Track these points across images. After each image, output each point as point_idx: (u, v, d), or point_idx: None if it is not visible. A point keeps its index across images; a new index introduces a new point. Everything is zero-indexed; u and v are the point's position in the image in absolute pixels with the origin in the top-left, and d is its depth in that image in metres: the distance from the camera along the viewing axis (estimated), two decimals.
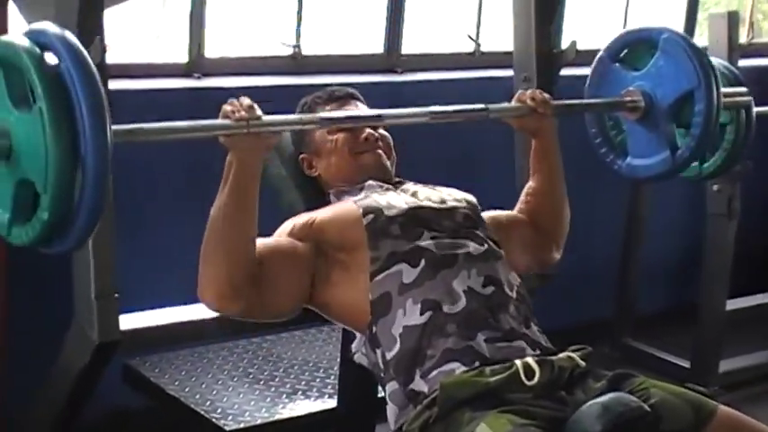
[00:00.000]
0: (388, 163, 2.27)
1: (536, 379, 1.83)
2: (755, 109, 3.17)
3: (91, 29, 2.09)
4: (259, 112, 1.90)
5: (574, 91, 2.65)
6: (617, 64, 2.57)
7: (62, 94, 1.53)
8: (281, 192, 2.32)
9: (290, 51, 3.50)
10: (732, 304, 3.96)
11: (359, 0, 3.75)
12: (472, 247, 2.05)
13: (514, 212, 2.34)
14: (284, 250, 2.01)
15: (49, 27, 1.61)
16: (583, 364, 1.92)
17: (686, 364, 3.92)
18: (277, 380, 2.59)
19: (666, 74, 2.49)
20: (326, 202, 2.21)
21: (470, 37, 4.00)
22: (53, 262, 2.45)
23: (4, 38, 1.62)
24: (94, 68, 1.56)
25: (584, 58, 2.72)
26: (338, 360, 2.54)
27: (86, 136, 1.52)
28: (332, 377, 2.60)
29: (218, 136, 1.87)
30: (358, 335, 2.05)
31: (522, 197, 2.36)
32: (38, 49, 1.57)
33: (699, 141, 2.48)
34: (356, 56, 3.72)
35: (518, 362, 1.86)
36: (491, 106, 2.27)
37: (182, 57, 3.29)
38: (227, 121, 1.87)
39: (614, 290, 4.24)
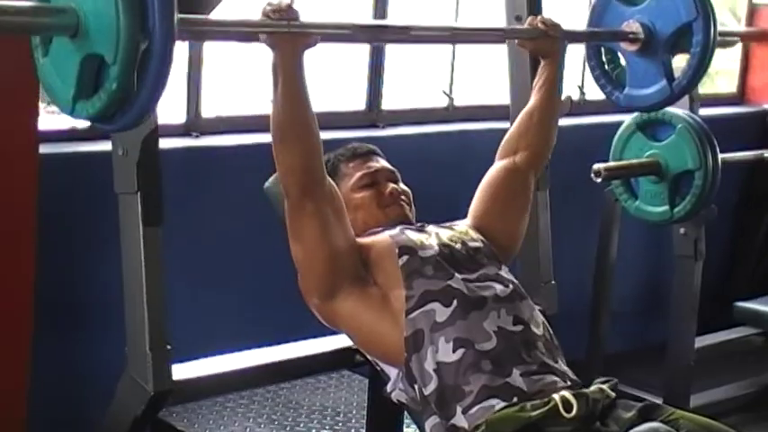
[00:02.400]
0: (411, 215, 2.42)
1: (574, 412, 1.98)
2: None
3: None
4: (298, 13, 2.03)
5: (571, 141, 2.82)
6: (616, 0, 2.72)
7: None
8: None
9: None
10: (700, 341, 4.14)
11: (341, 61, 3.90)
12: (499, 288, 2.20)
13: (491, 173, 2.52)
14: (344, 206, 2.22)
15: None
16: (613, 395, 2.07)
17: (659, 401, 4.07)
18: (302, 425, 2.68)
19: (665, 7, 2.64)
20: None
21: (445, 92, 4.18)
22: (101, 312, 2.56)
23: None
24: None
25: (576, 108, 2.90)
26: (355, 405, 2.65)
27: (155, 11, 1.61)
28: (353, 421, 2.71)
29: (261, 33, 2.01)
30: (392, 375, 2.17)
31: (514, 124, 2.55)
32: None
33: (696, 70, 2.65)
34: (340, 113, 3.87)
35: (556, 396, 2.00)
36: (506, 28, 2.44)
37: (179, 117, 3.41)
38: (268, 20, 1.99)
39: (585, 330, 4.40)
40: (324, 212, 2.14)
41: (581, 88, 4.50)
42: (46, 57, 1.76)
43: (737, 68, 5.53)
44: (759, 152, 4.60)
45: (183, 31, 1.73)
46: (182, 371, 2.21)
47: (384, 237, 2.26)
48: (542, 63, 2.56)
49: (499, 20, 3.03)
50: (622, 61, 2.79)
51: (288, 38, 2.02)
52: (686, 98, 3.97)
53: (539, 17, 2.53)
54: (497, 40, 2.76)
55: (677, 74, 2.74)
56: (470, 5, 4.15)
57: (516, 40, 2.59)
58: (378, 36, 2.62)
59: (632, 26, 2.67)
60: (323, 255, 2.16)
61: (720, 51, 5.72)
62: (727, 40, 3.29)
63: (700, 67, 2.65)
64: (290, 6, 2.01)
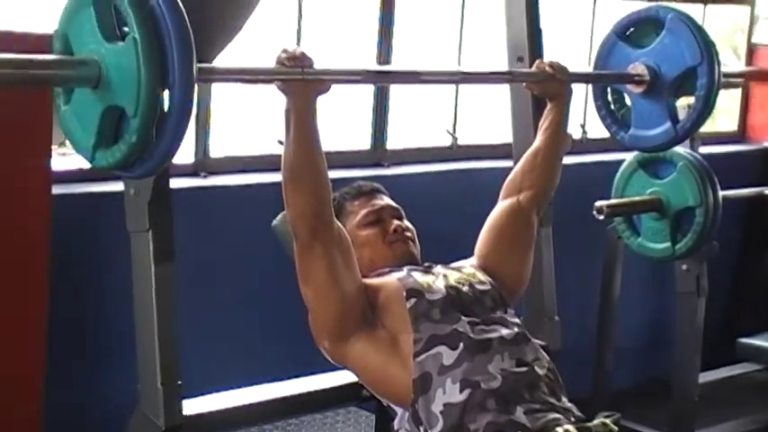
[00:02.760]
0: (416, 251, 2.47)
1: None
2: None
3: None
4: (311, 59, 2.07)
5: (573, 179, 2.87)
6: (623, 42, 2.78)
7: (154, 27, 1.67)
8: None
9: None
10: (704, 377, 4.17)
11: (346, 100, 3.97)
12: (504, 332, 2.24)
13: (496, 212, 2.56)
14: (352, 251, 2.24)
15: None
16: (615, 429, 2.11)
17: None
18: None
19: (671, 51, 2.69)
20: None
21: (448, 132, 4.25)
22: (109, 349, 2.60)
23: None
24: (183, 9, 1.71)
25: (578, 147, 2.96)
26: None
27: (175, 64, 1.66)
28: None
29: (276, 81, 2.07)
30: (399, 412, 2.20)
31: (519, 164, 2.59)
32: None
33: (700, 113, 2.69)
34: (346, 152, 3.93)
35: (559, 429, 2.04)
36: (515, 70, 2.50)
37: (188, 157, 3.47)
38: (283, 68, 2.04)
39: (589, 367, 4.43)
40: (332, 255, 2.18)
41: (583, 126, 4.57)
42: (67, 105, 1.81)
43: (738, 107, 5.60)
44: (760, 189, 4.65)
45: (201, 80, 1.77)
46: (192, 406, 2.26)
47: (392, 279, 2.30)
48: (549, 105, 2.61)
49: (500, 57, 3.10)
50: (628, 102, 2.84)
51: (302, 85, 2.07)
52: None
53: (547, 61, 2.59)
54: (506, 81, 2.82)
55: (681, 115, 2.80)
56: (472, 44, 4.23)
57: (524, 83, 2.65)
58: (388, 80, 2.68)
59: (638, 68, 2.72)
60: (333, 298, 2.20)
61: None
62: (731, 81, 3.35)
63: (704, 110, 2.70)
64: (303, 54, 2.06)
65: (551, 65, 2.55)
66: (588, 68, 4.50)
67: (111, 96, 1.71)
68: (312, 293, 2.22)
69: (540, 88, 2.59)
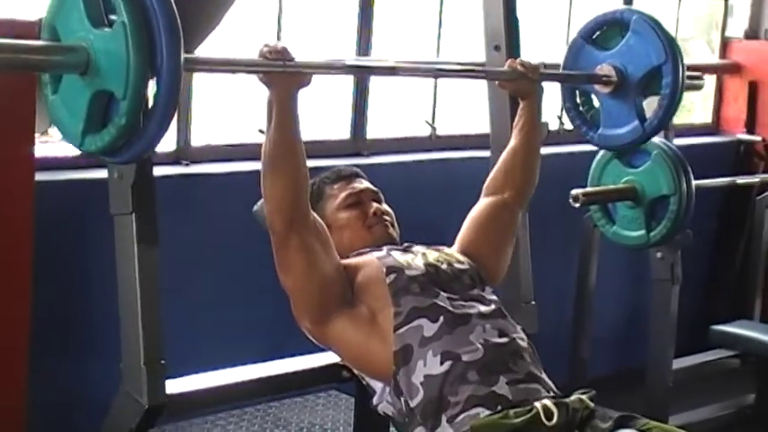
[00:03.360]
0: (395, 234, 2.52)
1: (555, 420, 2.06)
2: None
3: None
4: (292, 54, 2.11)
5: (551, 168, 2.92)
6: (590, 45, 2.84)
7: (142, 12, 1.70)
8: None
9: None
10: (678, 363, 4.23)
11: (327, 91, 4.01)
12: (483, 308, 2.29)
13: (479, 207, 2.60)
14: (329, 238, 2.29)
15: None
16: (591, 405, 2.16)
17: None
18: None
19: (636, 51, 2.75)
20: None
21: (427, 122, 4.30)
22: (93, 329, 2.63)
23: None
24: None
25: (555, 137, 3.02)
26: (341, 422, 2.73)
27: (163, 49, 1.70)
28: None
29: (257, 73, 2.12)
30: (378, 388, 2.25)
31: (498, 163, 2.64)
32: None
33: (666, 111, 2.76)
34: (326, 141, 3.97)
35: (538, 404, 2.09)
36: (488, 69, 2.55)
37: (170, 145, 3.51)
38: (265, 61, 2.08)
39: (566, 355, 4.48)
40: (309, 244, 2.22)
41: (560, 118, 4.62)
42: (56, 94, 1.84)
43: (712, 99, 5.68)
44: (732, 179, 4.72)
45: (187, 69, 1.81)
46: (175, 385, 2.30)
47: (371, 258, 2.35)
48: (521, 104, 2.66)
49: (478, 46, 3.15)
50: (596, 102, 2.90)
51: (283, 77, 2.12)
52: None
53: (518, 60, 2.64)
54: (479, 78, 2.87)
55: (648, 113, 2.85)
56: (450, 34, 4.28)
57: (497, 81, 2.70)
58: (365, 73, 2.71)
59: (605, 69, 2.78)
60: (312, 285, 2.24)
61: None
62: (695, 83, 3.41)
63: (670, 108, 2.76)
64: (285, 48, 2.11)
65: (523, 64, 2.61)
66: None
67: (99, 81, 1.74)
68: (291, 282, 2.26)
69: (513, 87, 2.65)
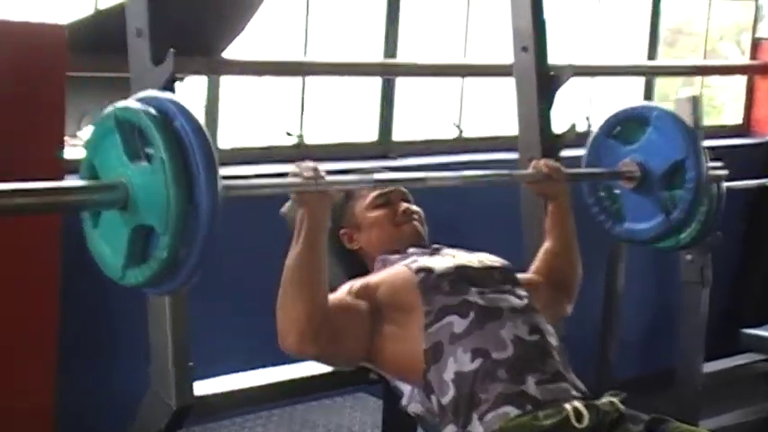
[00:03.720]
0: (424, 233, 2.51)
1: (585, 422, 2.04)
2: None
3: None
4: (323, 172, 2.12)
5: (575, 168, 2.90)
6: (611, 140, 2.82)
7: (179, 148, 1.71)
8: None
9: (294, 141, 3.75)
10: (708, 367, 4.20)
11: (355, 92, 4.02)
12: (514, 301, 2.27)
13: (530, 274, 2.56)
14: (347, 305, 2.23)
15: (159, 93, 1.82)
16: (622, 408, 2.14)
17: None
18: None
19: (658, 146, 2.72)
20: (367, 273, 2.42)
21: (454, 124, 4.30)
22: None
23: (122, 103, 1.80)
24: (206, 129, 1.75)
25: (582, 139, 2.99)
26: (369, 424, 2.73)
27: (201, 184, 1.70)
28: None
29: (291, 192, 2.12)
30: (407, 389, 2.24)
31: (539, 256, 2.59)
32: (154, 111, 1.75)
33: (691, 204, 2.72)
34: (353, 143, 3.98)
35: (567, 406, 2.06)
36: (514, 172, 2.55)
37: None
38: (298, 180, 2.09)
39: (594, 358, 4.46)
40: (331, 344, 2.16)
41: (588, 119, 4.61)
42: (95, 228, 1.84)
43: (743, 100, 5.64)
44: (763, 180, 4.67)
45: (225, 195, 1.79)
46: (203, 387, 2.31)
47: (398, 267, 2.33)
48: (549, 206, 2.62)
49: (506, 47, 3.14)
50: (619, 196, 2.87)
51: (316, 196, 2.12)
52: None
53: (542, 161, 2.60)
54: (504, 184, 2.86)
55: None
56: (477, 32, 4.27)
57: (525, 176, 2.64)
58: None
59: (629, 165, 2.76)
60: (355, 357, 2.26)
61: (727, 81, 5.85)
62: (717, 174, 3.35)
63: (694, 202, 2.74)
64: (315, 168, 2.11)
65: (547, 165, 2.57)
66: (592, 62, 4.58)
67: (139, 216, 1.75)
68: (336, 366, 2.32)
69: (539, 188, 2.61)
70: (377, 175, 2.37)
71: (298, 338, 2.12)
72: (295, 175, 2.10)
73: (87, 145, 1.84)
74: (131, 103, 1.79)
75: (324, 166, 3.75)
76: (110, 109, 1.80)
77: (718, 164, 3.24)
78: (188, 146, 1.71)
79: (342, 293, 2.27)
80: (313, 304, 2.11)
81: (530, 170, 2.59)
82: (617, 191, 2.84)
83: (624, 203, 2.83)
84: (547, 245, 2.60)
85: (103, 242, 1.83)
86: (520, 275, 2.47)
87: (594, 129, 2.90)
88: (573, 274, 2.59)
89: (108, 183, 1.78)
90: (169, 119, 1.73)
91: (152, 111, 1.75)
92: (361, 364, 2.29)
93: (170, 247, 1.72)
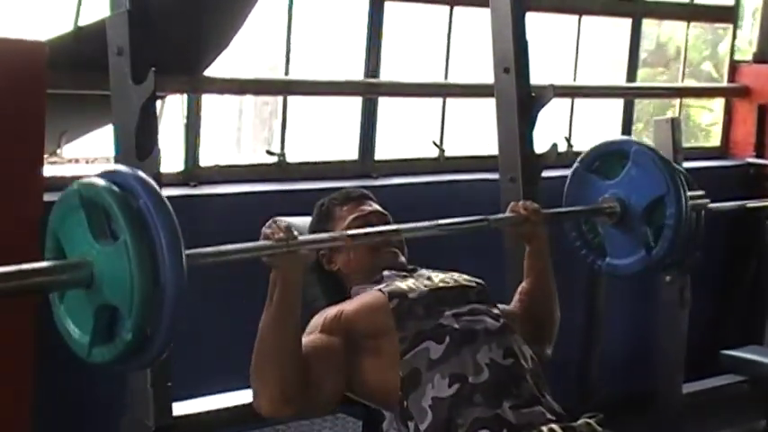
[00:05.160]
0: (403, 258, 2.50)
1: None
2: None
3: (147, 143, 2.30)
4: (295, 232, 2.10)
5: (556, 192, 2.90)
6: (591, 174, 2.83)
7: (143, 229, 1.69)
8: (303, 286, 2.51)
9: (275, 159, 3.74)
10: (688, 388, 4.20)
11: (336, 112, 4.02)
12: (489, 322, 2.27)
13: (511, 308, 2.54)
14: (321, 351, 2.20)
15: (124, 168, 1.80)
16: (599, 429, 2.14)
17: None
18: None
19: (638, 182, 2.75)
20: (346, 296, 2.41)
21: (435, 144, 4.30)
22: None
23: (86, 180, 1.78)
24: (169, 205, 1.75)
25: (564, 160, 3.01)
26: None
27: (166, 266, 1.69)
28: None
29: (262, 256, 2.07)
30: (388, 415, 2.23)
31: (517, 296, 2.57)
32: (117, 189, 1.73)
33: (672, 241, 2.74)
34: (335, 162, 3.97)
35: (545, 428, 2.07)
36: (491, 217, 2.55)
37: (177, 166, 3.50)
38: (269, 243, 2.06)
39: (575, 378, 4.46)
40: (309, 402, 2.16)
41: (568, 140, 4.62)
42: (62, 303, 1.82)
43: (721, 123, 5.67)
44: (742, 202, 4.69)
45: (190, 269, 1.78)
46: (181, 408, 2.29)
47: (372, 293, 2.32)
48: (528, 249, 2.59)
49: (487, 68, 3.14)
50: (601, 230, 2.87)
51: (289, 256, 2.10)
52: (670, 149, 4.12)
53: (521, 203, 2.59)
54: (483, 229, 2.80)
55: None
56: (459, 56, 4.29)
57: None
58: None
59: (609, 201, 2.77)
60: (335, 399, 2.24)
61: (706, 103, 5.89)
62: (698, 204, 3.32)
63: (675, 237, 2.75)
64: (288, 228, 2.10)
65: (525, 207, 2.57)
66: (577, 83, 4.60)
67: (103, 296, 1.74)
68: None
69: (516, 231, 2.60)
70: (349, 232, 2.34)
71: (269, 403, 2.11)
72: (266, 237, 2.09)
73: (53, 216, 1.83)
74: (96, 180, 1.77)
75: (306, 186, 3.77)
76: (74, 186, 1.79)
77: (700, 192, 3.23)
78: (152, 225, 1.70)
79: (315, 334, 2.24)
80: (286, 374, 2.10)
81: (508, 213, 2.57)
82: (599, 225, 2.84)
83: (606, 238, 2.83)
84: (524, 285, 2.59)
85: (69, 319, 1.81)
86: (501, 306, 2.45)
87: (576, 148, 2.91)
88: (549, 318, 2.57)
89: (73, 262, 1.76)
90: (134, 197, 1.72)
91: (115, 189, 1.73)
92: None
93: (135, 329, 1.71)
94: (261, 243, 2.09)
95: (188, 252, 1.79)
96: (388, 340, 2.21)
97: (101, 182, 1.76)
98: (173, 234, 1.71)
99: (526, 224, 2.55)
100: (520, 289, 2.59)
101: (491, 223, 2.54)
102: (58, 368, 2.93)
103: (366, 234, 2.38)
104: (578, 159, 2.87)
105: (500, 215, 2.61)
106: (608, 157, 2.84)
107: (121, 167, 1.83)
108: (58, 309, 1.83)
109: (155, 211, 1.71)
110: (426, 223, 2.40)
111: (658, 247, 2.75)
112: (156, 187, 1.77)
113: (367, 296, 2.32)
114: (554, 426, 2.08)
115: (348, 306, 2.30)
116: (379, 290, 2.31)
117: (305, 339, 2.20)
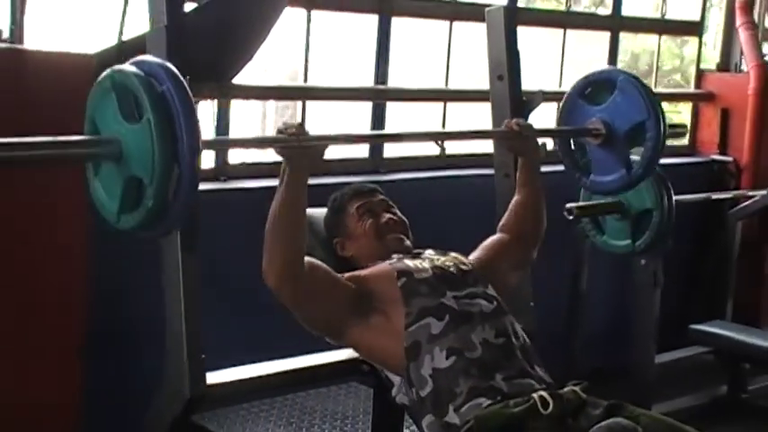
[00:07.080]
0: (408, 242, 2.47)
1: (550, 409, 2.03)
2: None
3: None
4: (307, 129, 2.09)
5: (549, 184, 2.86)
6: (582, 100, 2.80)
7: (164, 108, 1.70)
8: None
9: None
10: (660, 359, 4.18)
11: (348, 115, 3.99)
12: (484, 305, 2.25)
13: (496, 237, 2.54)
14: (333, 277, 2.21)
15: (151, 58, 1.81)
16: (584, 395, 2.11)
17: None
18: (316, 428, 2.72)
19: (623, 108, 2.70)
20: None
21: (437, 143, 4.25)
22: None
23: (117, 67, 1.79)
24: (189, 91, 1.74)
25: (555, 157, 2.96)
26: (361, 411, 2.69)
27: (184, 143, 1.70)
28: (360, 425, 2.75)
29: (275, 147, 2.10)
30: (396, 381, 2.21)
31: (509, 208, 2.58)
32: (145, 75, 1.74)
33: (649, 162, 2.71)
34: (347, 160, 3.94)
35: (535, 395, 2.05)
36: (488, 129, 2.58)
37: (209, 163, 3.47)
38: (283, 136, 2.07)
39: (561, 351, 4.42)
40: (305, 291, 2.15)
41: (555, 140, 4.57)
42: (96, 176, 1.84)
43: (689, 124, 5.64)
44: (707, 195, 4.70)
45: (208, 148, 1.78)
46: (214, 377, 2.26)
47: (383, 265, 2.31)
48: (520, 161, 2.59)
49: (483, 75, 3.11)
50: (588, 151, 2.85)
51: (299, 152, 2.08)
52: None
53: (513, 120, 2.57)
54: (480, 138, 2.82)
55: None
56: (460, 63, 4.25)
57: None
58: (373, 142, 2.63)
59: (595, 123, 2.74)
60: (322, 320, 2.23)
61: (676, 107, 5.85)
62: (677, 132, 3.35)
63: (652, 159, 2.71)
64: (301, 125, 2.09)
65: (518, 123, 2.54)
66: (563, 89, 4.55)
67: (130, 169, 1.76)
68: (302, 320, 2.22)
69: (510, 145, 2.59)
70: (354, 133, 2.32)
71: (276, 275, 2.10)
72: (280, 132, 2.07)
73: (89, 102, 1.83)
74: (126, 66, 1.78)
75: (321, 181, 3.72)
76: (108, 71, 1.80)
77: (682, 125, 3.21)
78: (173, 107, 1.70)
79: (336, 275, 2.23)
80: (292, 246, 2.09)
81: (502, 128, 2.56)
82: (587, 146, 2.82)
83: (592, 158, 2.81)
84: (516, 198, 2.58)
85: (102, 190, 1.83)
86: (483, 251, 2.47)
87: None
88: (538, 224, 2.57)
89: (106, 138, 1.77)
90: (158, 83, 1.72)
91: (142, 74, 1.73)
92: (337, 342, 2.27)
93: (155, 197, 1.72)
94: (275, 136, 2.09)
95: (205, 138, 1.80)
96: (396, 310, 2.20)
97: (130, 68, 1.76)
98: (190, 115, 1.71)
99: (519, 138, 2.52)
100: (512, 202, 2.58)
101: (488, 134, 2.51)
102: (107, 344, 2.93)
103: (370, 136, 2.45)
104: (571, 86, 2.85)
105: (496, 129, 2.59)
106: (598, 85, 2.80)
107: (149, 57, 1.81)
108: (93, 181, 1.84)
109: (176, 96, 1.71)
110: (431, 130, 2.39)
111: (637, 166, 2.73)
112: (179, 75, 1.75)
113: (378, 267, 2.31)
114: (543, 393, 2.06)
115: (363, 271, 2.30)
116: (389, 264, 2.29)
117: (324, 266, 2.20)
